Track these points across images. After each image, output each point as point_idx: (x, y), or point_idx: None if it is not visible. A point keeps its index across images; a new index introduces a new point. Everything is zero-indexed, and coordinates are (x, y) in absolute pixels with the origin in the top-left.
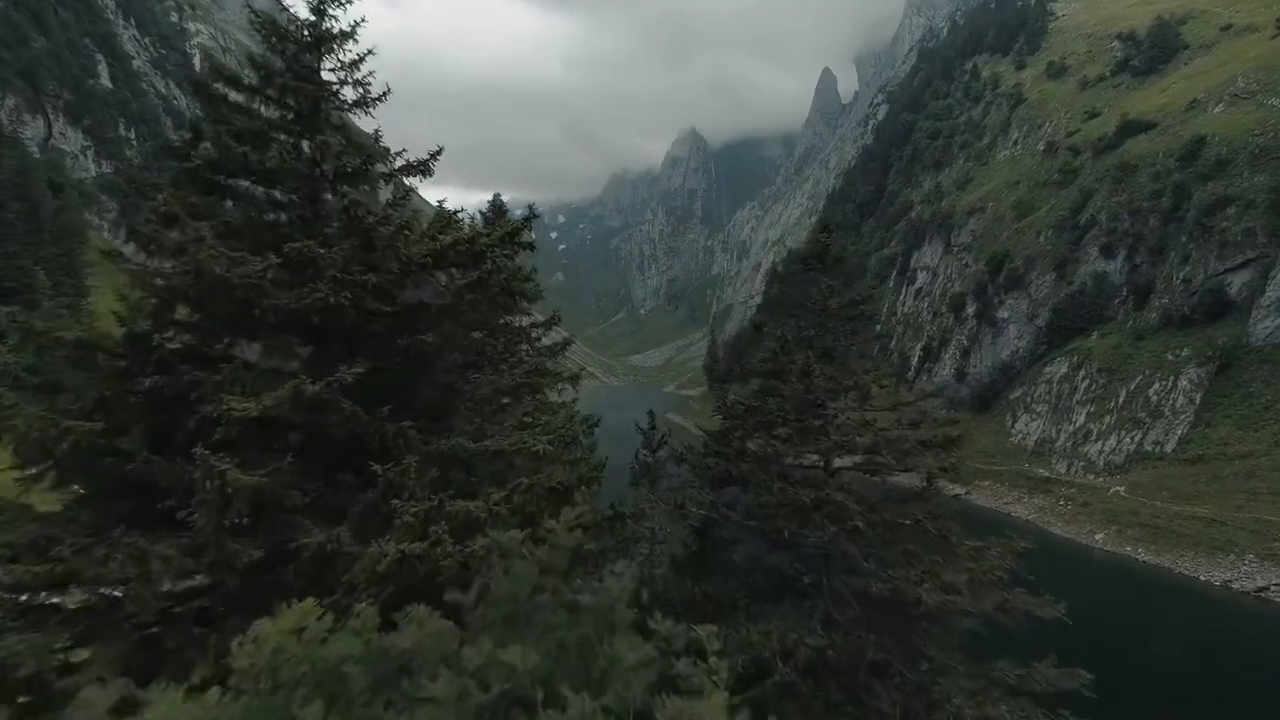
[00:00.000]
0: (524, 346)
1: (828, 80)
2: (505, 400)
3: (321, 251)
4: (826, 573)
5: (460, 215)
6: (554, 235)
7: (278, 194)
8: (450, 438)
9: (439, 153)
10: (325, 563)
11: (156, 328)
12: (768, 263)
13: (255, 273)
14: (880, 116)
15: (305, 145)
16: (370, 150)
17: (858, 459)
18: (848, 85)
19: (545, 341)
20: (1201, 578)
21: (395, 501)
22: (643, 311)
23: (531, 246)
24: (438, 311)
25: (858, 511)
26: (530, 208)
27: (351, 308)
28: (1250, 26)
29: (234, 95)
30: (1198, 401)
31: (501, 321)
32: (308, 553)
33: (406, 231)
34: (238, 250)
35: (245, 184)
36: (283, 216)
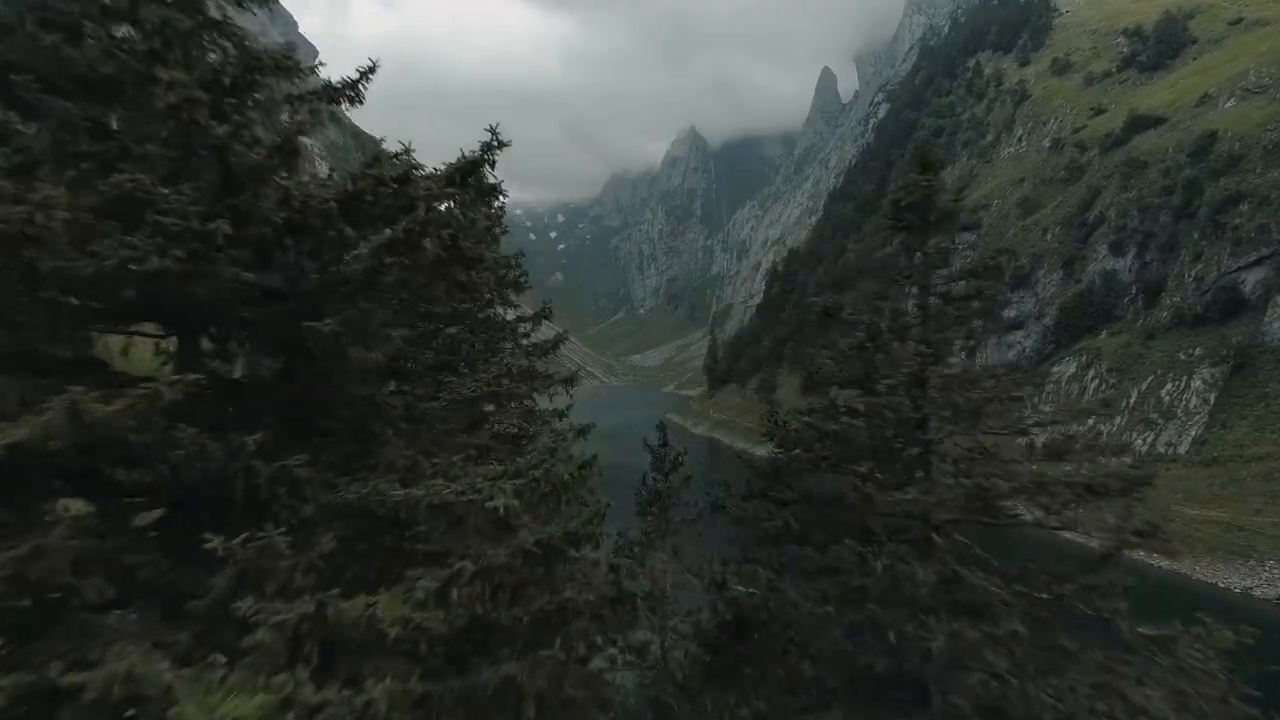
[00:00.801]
0: (509, 344)
1: (828, 79)
2: (488, 408)
3: (165, 192)
4: (931, 672)
5: (404, 156)
6: (553, 235)
7: (112, 114)
8: (370, 480)
9: (373, 70)
10: (122, 707)
11: None
12: (767, 262)
13: (17, 217)
14: (881, 115)
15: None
16: (262, 58)
17: (964, 504)
18: (848, 84)
19: (536, 339)
20: (1220, 584)
21: (245, 604)
22: (642, 311)
23: (496, 191)
24: (355, 286)
25: (1003, 599)
26: (492, 130)
27: (194, 275)
28: (1260, 20)
29: None
30: (1212, 402)
31: (482, 315)
32: (94, 693)
33: (292, 158)
34: (34, 190)
35: (61, 101)
36: (114, 145)
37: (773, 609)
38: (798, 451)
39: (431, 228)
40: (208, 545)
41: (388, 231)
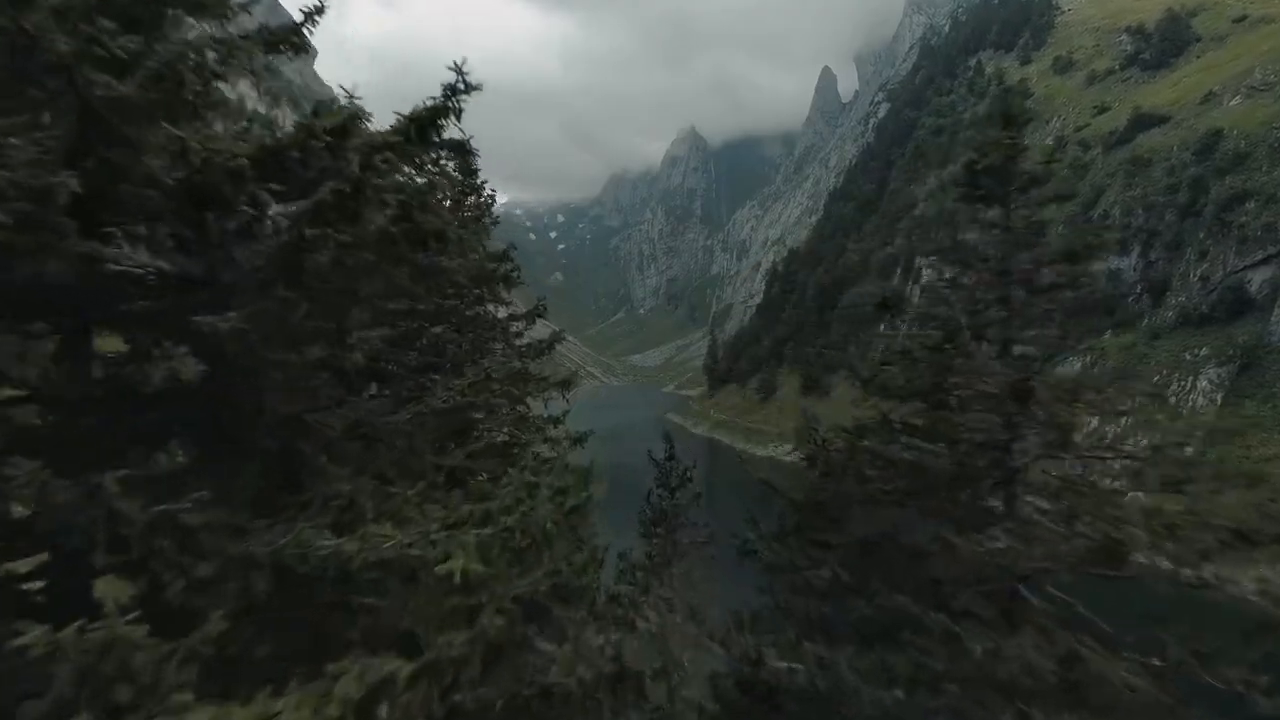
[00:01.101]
0: (499, 345)
1: (828, 79)
2: (476, 415)
3: (15, 142)
4: None
5: (349, 104)
6: (553, 235)
7: None
8: (296, 525)
9: (319, 11)
10: None
11: None
12: (767, 262)
13: None
14: (881, 114)
15: None
16: None
17: (1085, 556)
18: (848, 84)
19: (531, 338)
20: (1227, 587)
21: None
22: (642, 311)
23: (467, 150)
24: (272, 269)
25: (1129, 685)
26: (457, 68)
27: (36, 251)
28: (1265, 18)
29: None
30: (1218, 403)
31: (470, 313)
32: None
33: (177, 90)
34: None
35: None
36: None
37: (821, 688)
38: (848, 481)
39: (372, 191)
40: (19, 641)
41: (312, 195)
